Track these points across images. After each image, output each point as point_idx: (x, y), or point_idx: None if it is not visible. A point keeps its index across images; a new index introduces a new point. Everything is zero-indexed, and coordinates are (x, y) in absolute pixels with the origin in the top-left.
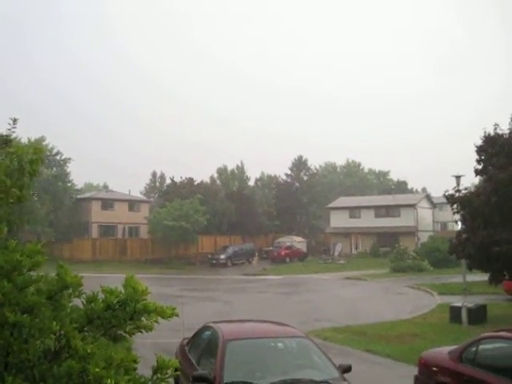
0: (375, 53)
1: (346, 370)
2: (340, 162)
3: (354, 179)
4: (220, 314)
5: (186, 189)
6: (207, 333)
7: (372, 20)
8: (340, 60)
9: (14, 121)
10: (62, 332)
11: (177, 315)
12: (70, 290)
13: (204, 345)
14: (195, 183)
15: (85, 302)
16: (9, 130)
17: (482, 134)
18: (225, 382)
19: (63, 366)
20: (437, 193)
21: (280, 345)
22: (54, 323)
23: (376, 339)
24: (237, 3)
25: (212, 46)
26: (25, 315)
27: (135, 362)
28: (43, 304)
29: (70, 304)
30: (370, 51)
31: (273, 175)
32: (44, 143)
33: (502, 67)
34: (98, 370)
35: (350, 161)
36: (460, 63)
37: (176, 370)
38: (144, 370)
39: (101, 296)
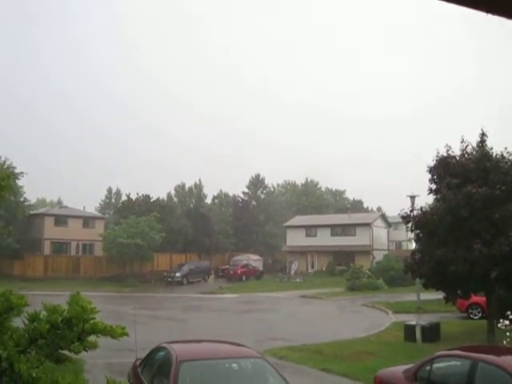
0: (336, 71)
1: None
2: (299, 180)
3: (310, 198)
4: (175, 333)
5: (142, 206)
6: (160, 353)
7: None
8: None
9: None
10: (4, 355)
11: (127, 335)
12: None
13: (157, 366)
14: (151, 200)
15: (27, 322)
16: None
17: (435, 155)
18: None
19: None
20: (392, 212)
21: (235, 366)
22: None
23: (332, 358)
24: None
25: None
26: None
27: None
28: None
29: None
30: (334, 70)
31: (230, 193)
32: None
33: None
34: None
35: (309, 180)
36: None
37: None
38: None
39: (44, 314)
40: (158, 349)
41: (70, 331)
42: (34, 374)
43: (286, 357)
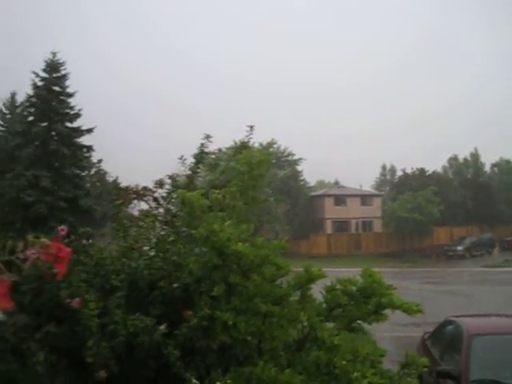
0: None
1: None
2: None
3: None
4: (460, 307)
5: (418, 180)
6: (450, 327)
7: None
8: None
9: (251, 127)
10: (307, 323)
11: (422, 312)
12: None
13: (447, 340)
14: (426, 174)
15: (324, 293)
16: (246, 136)
17: None
18: (471, 379)
19: (311, 356)
20: None
21: None
22: (302, 313)
23: None
24: None
25: None
26: (275, 306)
27: (382, 356)
28: (291, 296)
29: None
30: None
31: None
32: (274, 146)
33: None
34: (344, 362)
35: None
36: None
37: (424, 367)
38: (385, 363)
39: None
40: (446, 323)
41: (365, 305)
42: (335, 342)
43: None
